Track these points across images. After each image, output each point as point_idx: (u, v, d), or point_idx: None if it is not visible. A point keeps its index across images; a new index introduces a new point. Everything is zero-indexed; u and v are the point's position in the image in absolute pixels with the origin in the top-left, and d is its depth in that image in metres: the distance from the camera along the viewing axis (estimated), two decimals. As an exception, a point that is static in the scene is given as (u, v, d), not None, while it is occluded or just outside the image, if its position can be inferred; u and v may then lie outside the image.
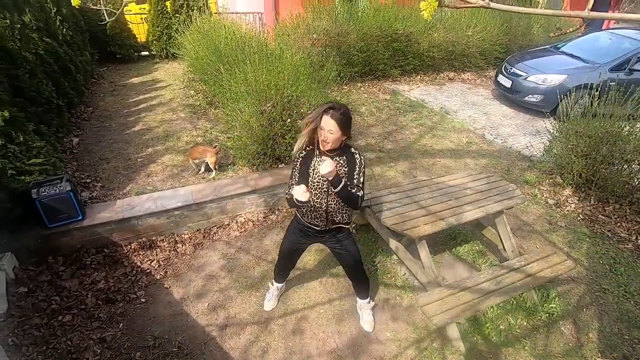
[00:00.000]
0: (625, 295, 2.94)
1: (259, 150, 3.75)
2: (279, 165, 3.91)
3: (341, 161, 2.06)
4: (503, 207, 2.80)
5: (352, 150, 2.11)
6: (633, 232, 3.63)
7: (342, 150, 2.08)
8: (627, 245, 3.48)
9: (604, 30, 8.07)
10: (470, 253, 3.31)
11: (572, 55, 6.65)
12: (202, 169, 4.00)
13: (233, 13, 7.49)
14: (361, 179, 2.07)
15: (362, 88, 7.22)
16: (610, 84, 4.64)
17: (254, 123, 3.59)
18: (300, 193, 1.88)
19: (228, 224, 3.57)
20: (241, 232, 3.50)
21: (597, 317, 2.76)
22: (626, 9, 18.71)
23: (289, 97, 3.77)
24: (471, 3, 0.96)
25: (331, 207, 2.12)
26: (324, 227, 2.19)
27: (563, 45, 7.28)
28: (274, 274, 2.72)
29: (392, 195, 2.84)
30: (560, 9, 10.70)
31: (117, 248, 3.17)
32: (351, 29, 6.91)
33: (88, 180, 3.76)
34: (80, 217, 3.01)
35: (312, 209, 2.15)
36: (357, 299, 2.65)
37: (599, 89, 4.22)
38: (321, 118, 1.95)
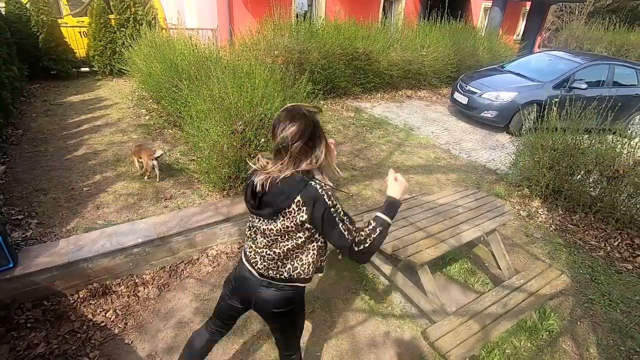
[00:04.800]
0: (611, 304, 2.99)
1: (230, 174, 3.39)
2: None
3: None
4: (497, 224, 2.73)
5: None
6: (601, 239, 3.79)
7: None
8: (599, 252, 3.62)
9: (540, 52, 8.86)
10: (460, 272, 3.20)
11: (518, 74, 7.14)
12: (157, 171, 3.79)
13: (184, 29, 7.06)
14: None
15: (325, 106, 7.12)
16: (555, 100, 4.95)
17: (225, 144, 3.24)
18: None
19: (198, 259, 3.13)
20: (214, 266, 3.08)
21: (592, 329, 2.75)
22: (546, 35, 21.06)
23: (262, 116, 3.49)
24: None
25: None
26: None
27: (507, 65, 7.83)
28: None
29: (385, 218, 2.63)
30: (497, 35, 11.63)
31: (61, 299, 2.60)
32: (313, 46, 6.84)
33: (20, 217, 3.11)
34: (11, 265, 2.41)
35: None
36: None
37: (556, 104, 4.46)
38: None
